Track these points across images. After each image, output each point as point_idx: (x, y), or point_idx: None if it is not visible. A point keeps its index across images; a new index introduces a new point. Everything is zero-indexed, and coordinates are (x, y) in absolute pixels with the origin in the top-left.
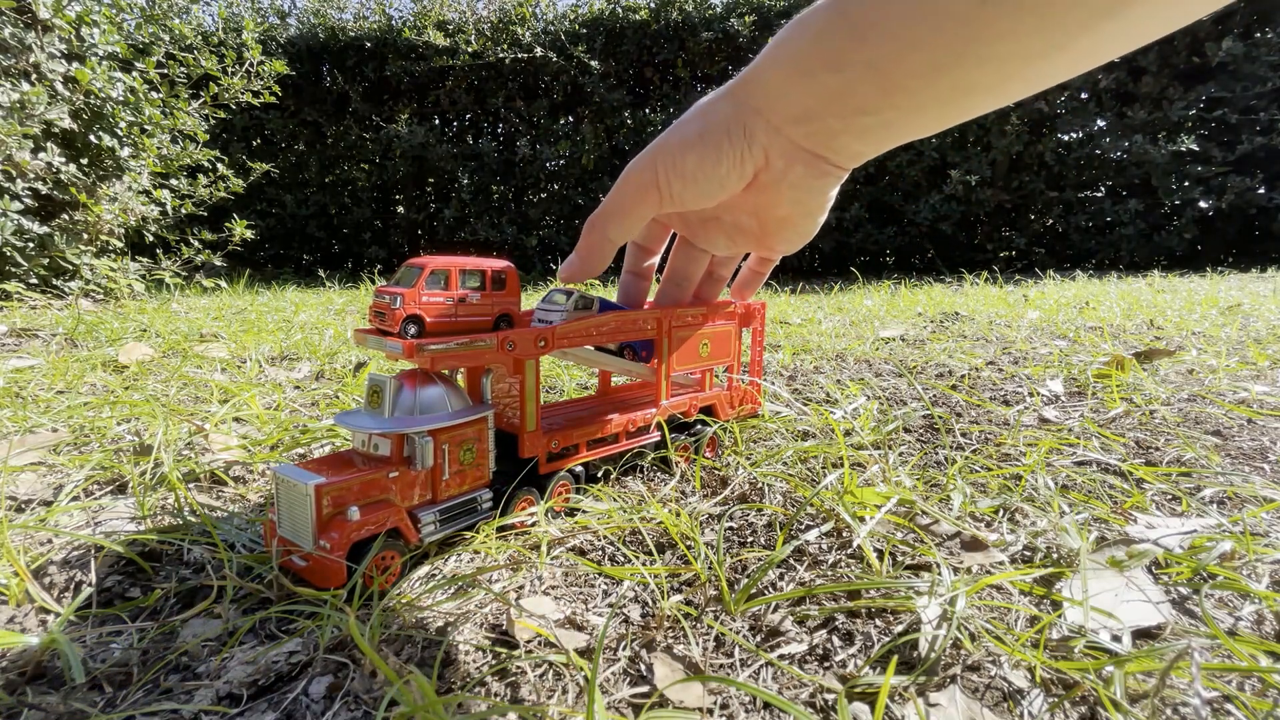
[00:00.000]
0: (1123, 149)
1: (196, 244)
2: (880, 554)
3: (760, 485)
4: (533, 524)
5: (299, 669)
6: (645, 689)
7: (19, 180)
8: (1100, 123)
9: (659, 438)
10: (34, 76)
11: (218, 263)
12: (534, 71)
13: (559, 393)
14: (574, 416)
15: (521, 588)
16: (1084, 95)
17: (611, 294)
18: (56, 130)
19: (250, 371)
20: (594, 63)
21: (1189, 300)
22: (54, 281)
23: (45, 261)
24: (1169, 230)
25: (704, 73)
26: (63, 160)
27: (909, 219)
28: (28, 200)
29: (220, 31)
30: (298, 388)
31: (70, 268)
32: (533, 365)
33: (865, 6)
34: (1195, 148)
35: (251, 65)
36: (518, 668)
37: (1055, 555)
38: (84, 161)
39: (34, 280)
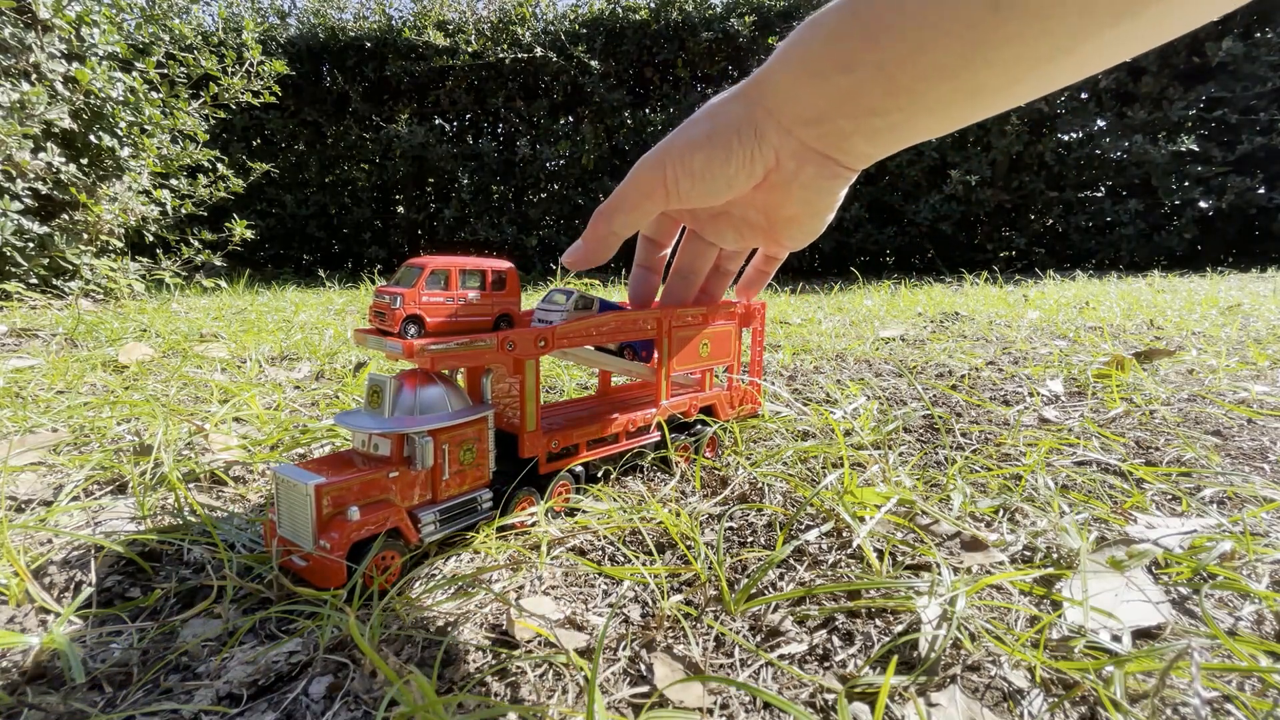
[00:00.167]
0: (1123, 149)
1: (196, 244)
2: (880, 554)
3: (760, 485)
4: (533, 524)
5: (299, 669)
6: (645, 689)
7: (19, 180)
8: (1100, 123)
9: (659, 438)
10: (34, 76)
11: (218, 263)
12: (534, 71)
13: (559, 393)
14: (574, 416)
15: (521, 588)
16: (1084, 95)
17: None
18: (56, 130)
19: (250, 371)
20: (594, 63)
21: (1189, 300)
22: (54, 281)
23: (45, 261)
24: (1169, 230)
25: (704, 73)
26: (63, 160)
27: (909, 219)
28: (28, 200)
29: (220, 31)
30: (298, 388)
31: (70, 268)
32: (533, 365)
33: (878, 8)
34: (1195, 148)
35: (251, 65)
36: (518, 668)
37: (1055, 555)
38: (84, 161)
39: (34, 280)
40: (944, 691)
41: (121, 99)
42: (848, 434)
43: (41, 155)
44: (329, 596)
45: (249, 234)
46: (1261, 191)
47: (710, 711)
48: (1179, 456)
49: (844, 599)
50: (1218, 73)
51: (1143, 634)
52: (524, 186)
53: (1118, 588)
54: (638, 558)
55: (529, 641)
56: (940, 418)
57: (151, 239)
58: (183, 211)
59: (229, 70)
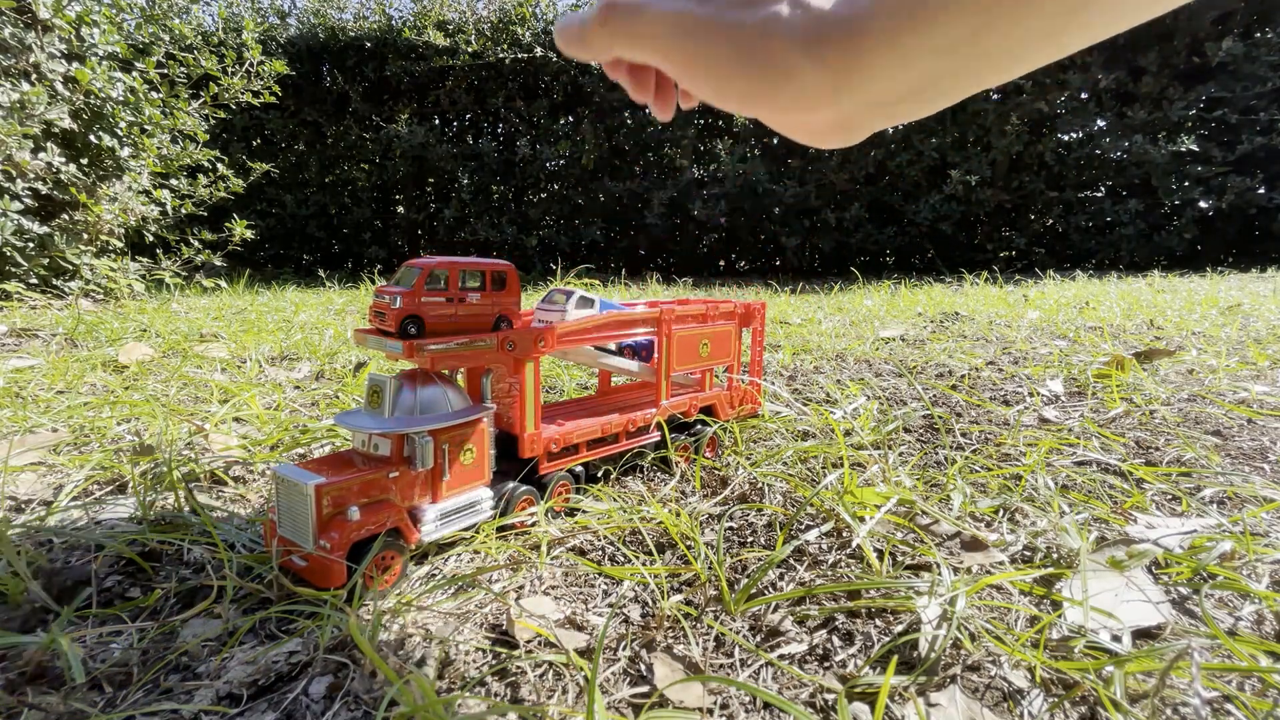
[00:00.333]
0: (1123, 149)
1: (196, 244)
2: (880, 554)
3: (760, 485)
4: (533, 524)
5: (299, 669)
6: (645, 689)
7: (19, 180)
8: (1100, 123)
9: (659, 438)
10: (34, 76)
11: (218, 263)
12: (534, 71)
13: (559, 393)
14: (574, 416)
15: (521, 588)
16: (1084, 95)
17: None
18: (56, 130)
19: (250, 371)
20: (594, 62)
21: (1189, 300)
22: (54, 281)
23: (45, 261)
24: (1169, 230)
25: None
26: (63, 160)
27: (909, 219)
28: (28, 200)
29: (220, 31)
30: (298, 388)
31: (70, 268)
32: (533, 365)
33: None
34: (1195, 148)
35: (251, 65)
36: (518, 668)
37: (1055, 555)
38: (84, 161)
39: (34, 280)
40: (944, 691)
41: (121, 99)
42: (848, 434)
43: (41, 155)
44: (329, 596)
45: (249, 234)
46: (1261, 191)
47: (710, 711)
48: (1179, 456)
49: (844, 599)
50: (1218, 73)
51: (1143, 634)
52: (524, 186)
53: (1118, 588)
54: (638, 558)
55: (529, 641)
56: (940, 418)
57: (151, 239)
58: (183, 211)
59: (229, 70)
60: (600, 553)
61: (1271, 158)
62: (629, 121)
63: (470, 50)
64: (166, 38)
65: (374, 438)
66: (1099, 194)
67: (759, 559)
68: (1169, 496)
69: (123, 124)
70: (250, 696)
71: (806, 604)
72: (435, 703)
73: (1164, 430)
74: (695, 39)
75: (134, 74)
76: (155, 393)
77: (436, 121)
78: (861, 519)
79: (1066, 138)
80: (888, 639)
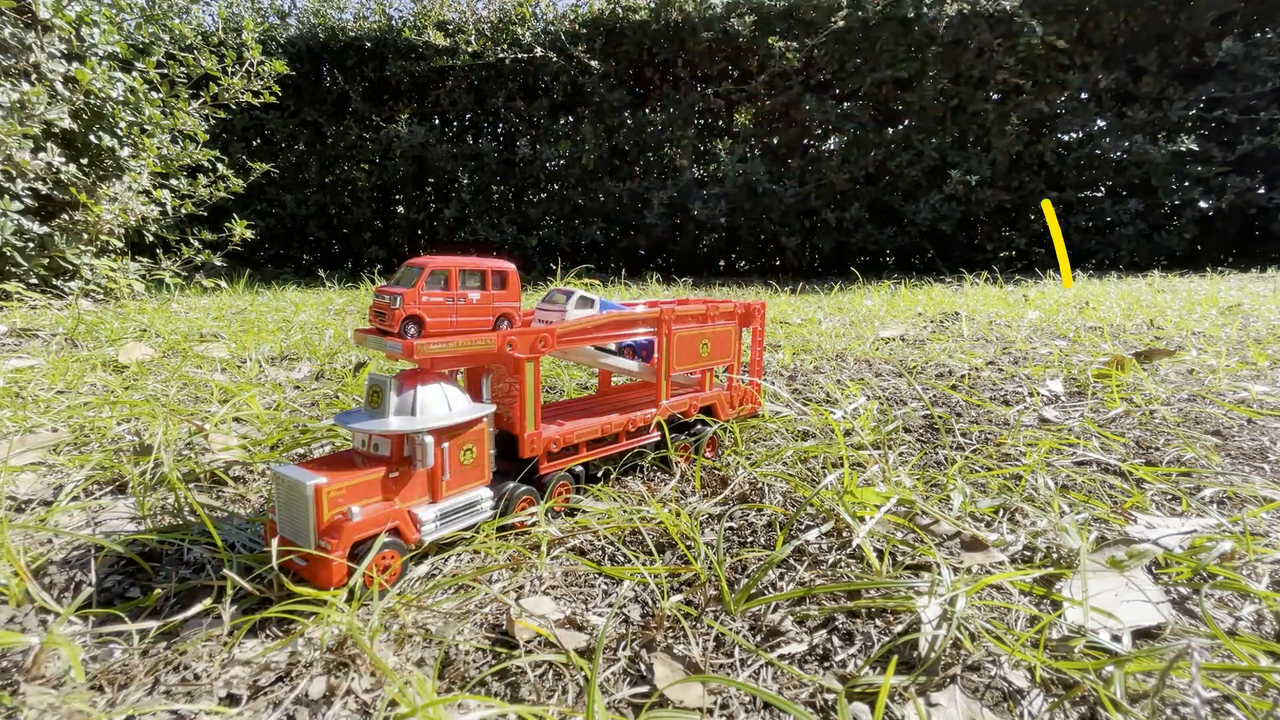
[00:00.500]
0: (1123, 149)
1: (196, 244)
2: (880, 554)
3: (760, 485)
4: (533, 524)
5: (299, 669)
6: (645, 689)
7: (19, 180)
8: (1100, 123)
9: (659, 438)
10: (34, 76)
11: (218, 263)
12: (534, 71)
13: (559, 393)
14: (574, 416)
15: (521, 588)
16: (1084, 95)
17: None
18: (56, 130)
19: (250, 371)
20: (594, 63)
21: (1189, 300)
22: (54, 281)
23: (45, 261)
24: (1169, 230)
25: (704, 73)
26: (63, 160)
27: (909, 219)
28: (28, 200)
29: (220, 31)
30: (298, 388)
31: (70, 268)
32: (533, 365)
33: None
34: (1195, 148)
35: (251, 65)
36: (518, 668)
37: (1055, 555)
38: (84, 161)
39: (34, 280)
40: (944, 691)
41: (121, 99)
42: (848, 434)
43: (41, 155)
44: (329, 596)
45: (249, 234)
46: (1261, 191)
47: (710, 711)
48: (1179, 456)
49: (844, 599)
50: (1218, 73)
51: (1143, 634)
52: (524, 186)
53: (1118, 588)
54: (638, 558)
55: (529, 641)
56: (940, 418)
57: (151, 239)
58: (183, 211)
59: (229, 70)
60: (600, 553)
61: (1271, 158)
62: (629, 121)
63: (470, 50)
64: (166, 38)
65: (374, 438)
66: (1099, 194)
67: (759, 559)
68: (1169, 496)
69: (123, 124)
70: (250, 696)
71: (806, 604)
72: (435, 702)
73: (1164, 430)
74: None
75: (134, 74)
76: (155, 393)
77: (436, 121)
78: (861, 519)
79: (1066, 138)
80: (888, 639)
